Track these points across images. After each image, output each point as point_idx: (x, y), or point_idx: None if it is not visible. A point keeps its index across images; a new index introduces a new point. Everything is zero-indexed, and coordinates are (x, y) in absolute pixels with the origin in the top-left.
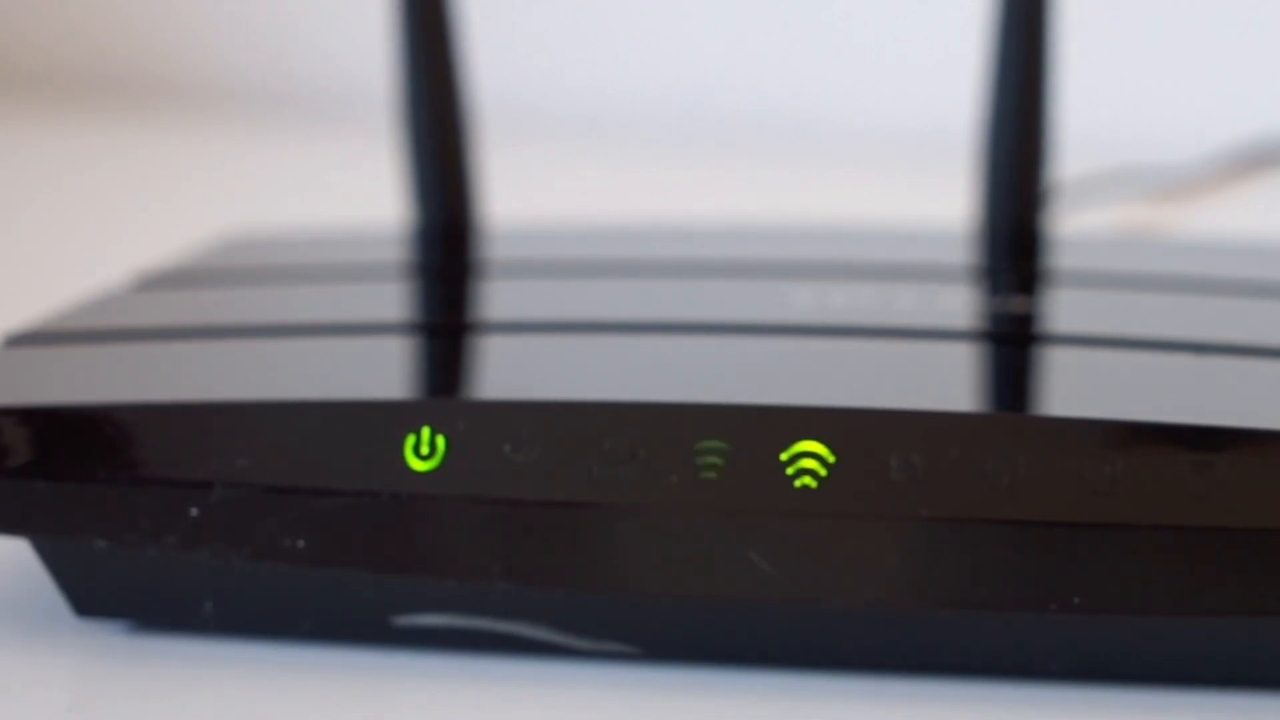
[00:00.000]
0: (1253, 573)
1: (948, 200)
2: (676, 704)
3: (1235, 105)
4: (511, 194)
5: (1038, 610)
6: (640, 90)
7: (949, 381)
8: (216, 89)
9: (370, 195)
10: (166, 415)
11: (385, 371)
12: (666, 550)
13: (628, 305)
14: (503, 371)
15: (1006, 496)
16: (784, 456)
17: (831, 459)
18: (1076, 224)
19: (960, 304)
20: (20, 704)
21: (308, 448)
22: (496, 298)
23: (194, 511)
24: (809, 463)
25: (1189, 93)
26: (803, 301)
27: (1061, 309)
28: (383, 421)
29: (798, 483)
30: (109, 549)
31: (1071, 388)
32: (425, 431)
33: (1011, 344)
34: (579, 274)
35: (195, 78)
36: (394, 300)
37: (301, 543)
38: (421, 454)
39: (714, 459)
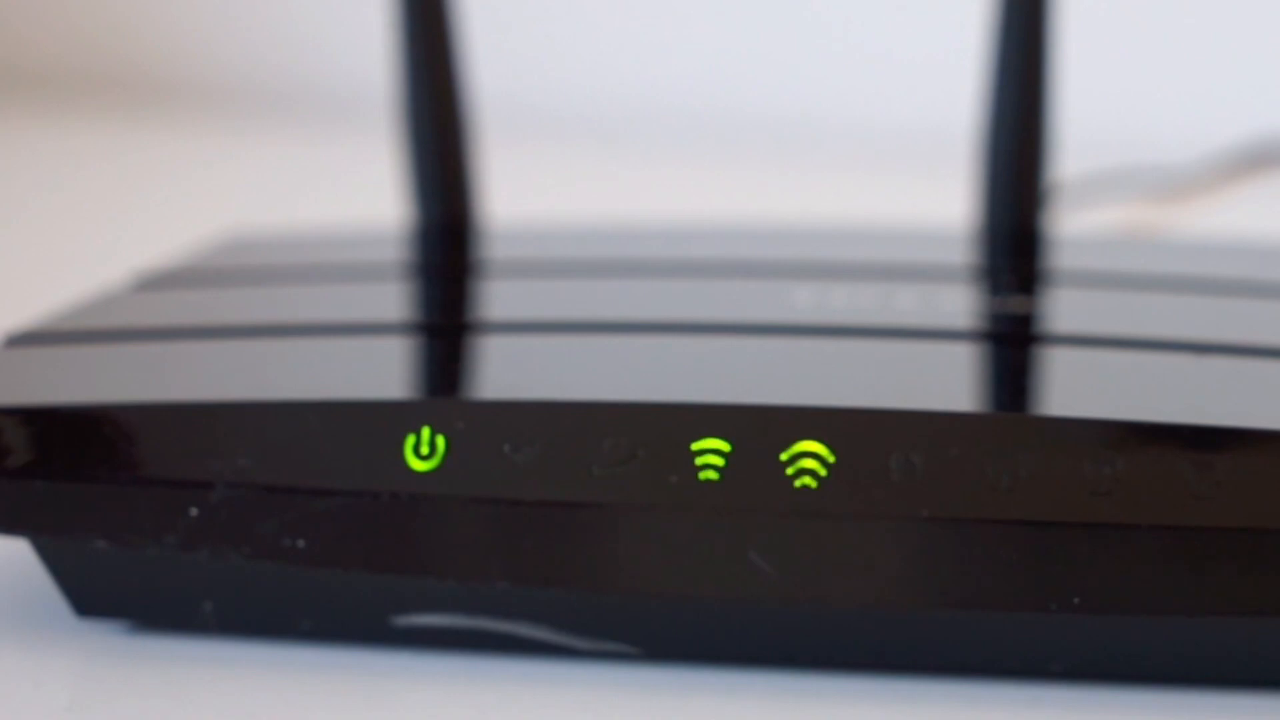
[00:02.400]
0: (1253, 573)
1: (948, 200)
2: (676, 704)
3: (1235, 105)
4: (511, 194)
5: (1038, 610)
6: (640, 90)
7: (949, 381)
8: (216, 89)
9: (370, 195)
10: (166, 415)
11: (385, 371)
12: (666, 550)
13: (628, 305)
14: (503, 371)
15: (1006, 496)
16: (784, 456)
17: (831, 459)
18: (1076, 224)
19: (960, 304)
20: (20, 704)
21: (308, 448)
22: (496, 298)
23: (194, 511)
24: (809, 463)
25: (1189, 93)
26: (803, 301)
27: (1061, 309)
28: (383, 421)
29: (798, 483)
30: (109, 549)
31: (1071, 388)
32: (425, 431)
33: (1011, 344)
34: (579, 274)
35: (195, 78)
36: (394, 300)
37: (301, 543)
38: (421, 454)
39: (714, 459)
